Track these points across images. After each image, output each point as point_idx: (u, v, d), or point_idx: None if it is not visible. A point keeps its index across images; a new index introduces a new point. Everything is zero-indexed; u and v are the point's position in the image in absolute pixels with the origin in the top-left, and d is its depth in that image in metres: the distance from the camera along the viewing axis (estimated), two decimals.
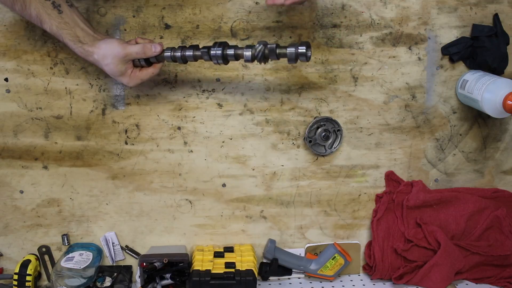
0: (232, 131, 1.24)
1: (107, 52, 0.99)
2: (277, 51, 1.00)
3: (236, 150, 1.25)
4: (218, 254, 1.23)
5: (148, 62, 1.06)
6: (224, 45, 1.04)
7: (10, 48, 1.15)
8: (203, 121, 1.23)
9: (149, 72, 1.06)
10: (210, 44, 1.17)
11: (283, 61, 1.20)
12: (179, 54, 1.05)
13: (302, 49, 0.99)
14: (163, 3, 1.16)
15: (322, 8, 1.20)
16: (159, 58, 1.06)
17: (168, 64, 1.19)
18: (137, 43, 1.06)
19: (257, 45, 1.00)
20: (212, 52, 1.03)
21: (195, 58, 1.05)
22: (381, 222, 1.28)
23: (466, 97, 1.22)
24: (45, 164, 1.21)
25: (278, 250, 1.26)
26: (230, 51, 1.03)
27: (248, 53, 1.01)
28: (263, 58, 1.01)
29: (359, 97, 1.25)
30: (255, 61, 1.02)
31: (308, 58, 1.00)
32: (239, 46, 1.04)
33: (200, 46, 1.06)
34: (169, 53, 1.05)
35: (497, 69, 1.23)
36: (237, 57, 1.03)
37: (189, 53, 1.04)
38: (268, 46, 1.00)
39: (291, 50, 0.99)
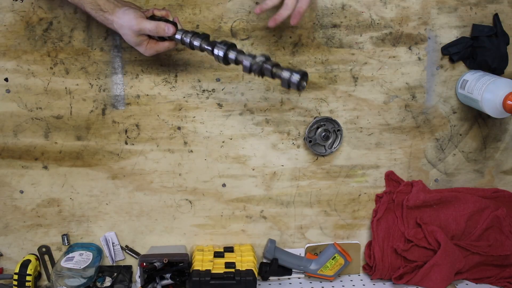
0: (232, 131, 1.24)
1: (124, 23, 1.01)
2: (273, 70, 0.98)
3: (236, 150, 1.25)
4: (218, 254, 1.23)
5: (162, 38, 1.06)
6: (229, 47, 1.02)
7: (10, 48, 1.15)
8: (203, 121, 1.23)
9: (165, 46, 1.07)
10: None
11: (283, 60, 1.20)
12: (188, 40, 1.05)
13: (295, 77, 0.96)
14: (163, 3, 1.16)
15: (322, 8, 1.20)
16: (171, 37, 1.06)
17: (168, 64, 1.19)
18: (153, 15, 1.06)
19: (258, 57, 0.99)
20: (215, 51, 1.03)
21: (201, 50, 1.05)
22: (381, 222, 1.28)
23: (466, 97, 1.22)
24: (45, 164, 1.21)
25: (278, 250, 1.26)
26: (232, 54, 1.02)
27: (247, 62, 1.00)
28: (259, 72, 1.00)
29: (359, 97, 1.25)
30: (252, 74, 1.01)
31: (299, 88, 0.97)
32: (245, 52, 1.03)
33: (211, 39, 1.07)
34: (179, 36, 1.05)
35: (497, 69, 1.23)
36: (237, 62, 1.03)
37: (196, 43, 1.05)
38: (267, 63, 0.99)
39: (285, 74, 0.97)
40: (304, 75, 0.97)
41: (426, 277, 1.24)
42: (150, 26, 1.02)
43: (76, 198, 1.23)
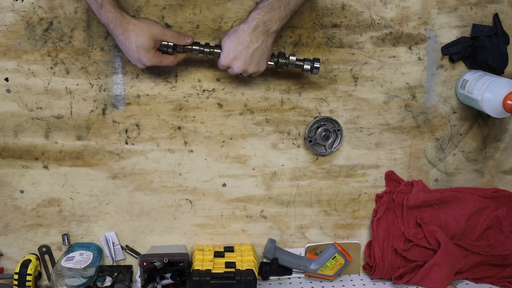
0: (232, 131, 1.24)
1: (146, 26, 1.04)
2: (297, 63, 1.13)
3: (236, 150, 1.25)
4: (218, 254, 1.23)
5: (174, 50, 1.10)
6: None
7: (11, 48, 1.15)
8: (203, 121, 1.23)
9: (169, 59, 1.10)
10: (211, 43, 1.18)
11: None
12: (208, 50, 1.10)
13: (317, 64, 1.13)
14: (163, 3, 1.16)
15: (322, 8, 1.20)
16: (185, 49, 1.11)
17: None
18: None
19: (280, 56, 1.12)
20: None
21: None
22: (381, 222, 1.28)
23: (466, 97, 1.22)
24: (45, 164, 1.21)
25: (278, 250, 1.27)
26: None
27: (271, 63, 1.12)
28: (282, 67, 1.13)
29: (359, 97, 1.25)
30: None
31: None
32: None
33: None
34: (198, 47, 1.11)
35: (497, 69, 1.23)
36: None
37: (217, 50, 1.09)
38: (286, 58, 1.12)
39: (307, 63, 1.13)
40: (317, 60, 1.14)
41: (426, 276, 1.24)
42: (172, 33, 1.07)
43: (77, 198, 1.23)
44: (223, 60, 1.07)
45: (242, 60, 1.05)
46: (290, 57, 1.12)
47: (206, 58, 1.14)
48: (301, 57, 1.15)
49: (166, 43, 1.08)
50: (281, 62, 1.12)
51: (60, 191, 1.23)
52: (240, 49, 1.04)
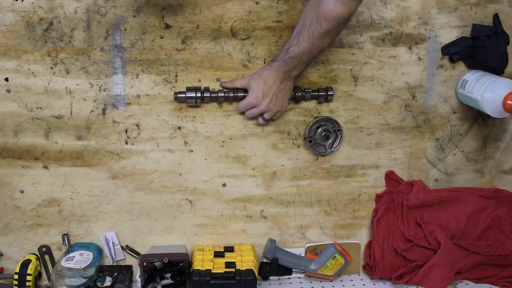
0: (232, 131, 1.24)
1: None
2: (312, 93, 1.21)
3: (236, 150, 1.25)
4: (218, 254, 1.23)
5: (202, 101, 1.18)
6: None
7: (11, 48, 1.15)
8: (203, 121, 1.23)
9: None
10: (211, 43, 1.18)
11: None
12: (233, 95, 1.19)
13: (331, 93, 1.21)
14: (163, 3, 1.16)
15: None
16: (212, 97, 1.18)
17: (168, 64, 1.19)
18: None
19: (297, 90, 1.20)
20: None
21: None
22: (381, 222, 1.28)
23: (466, 97, 1.22)
24: (45, 164, 1.21)
25: (278, 250, 1.27)
26: None
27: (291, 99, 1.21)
28: (300, 100, 1.21)
29: (359, 97, 1.25)
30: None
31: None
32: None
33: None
34: (223, 94, 1.19)
35: (497, 69, 1.23)
36: None
37: (241, 94, 1.19)
38: (306, 90, 1.21)
39: (322, 93, 1.21)
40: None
41: (426, 276, 1.24)
42: None
43: (77, 198, 1.23)
44: (254, 100, 1.15)
45: (268, 98, 1.15)
46: (306, 90, 1.20)
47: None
48: (315, 88, 1.22)
49: (194, 94, 1.16)
50: (298, 95, 1.19)
51: (60, 191, 1.23)
52: (267, 89, 1.14)
